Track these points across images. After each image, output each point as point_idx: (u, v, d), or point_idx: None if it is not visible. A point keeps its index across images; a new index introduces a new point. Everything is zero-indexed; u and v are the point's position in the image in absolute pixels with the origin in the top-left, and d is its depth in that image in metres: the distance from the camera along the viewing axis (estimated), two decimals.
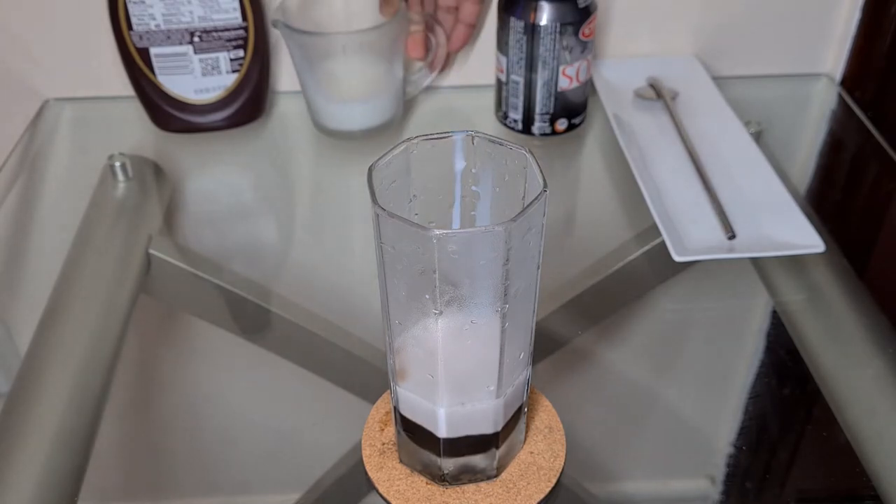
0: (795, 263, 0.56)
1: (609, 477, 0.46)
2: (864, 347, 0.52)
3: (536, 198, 0.34)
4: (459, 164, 0.38)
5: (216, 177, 0.68)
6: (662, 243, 0.55)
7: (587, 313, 0.55)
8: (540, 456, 0.44)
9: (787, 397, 0.50)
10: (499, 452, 0.41)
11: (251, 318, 0.55)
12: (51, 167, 0.68)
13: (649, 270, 0.58)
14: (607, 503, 0.45)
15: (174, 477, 0.47)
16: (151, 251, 0.59)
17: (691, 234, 0.57)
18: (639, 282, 0.57)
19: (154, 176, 0.66)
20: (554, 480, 0.42)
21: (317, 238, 0.63)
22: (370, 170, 0.35)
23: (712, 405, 0.49)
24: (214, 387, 0.51)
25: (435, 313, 0.35)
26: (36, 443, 0.46)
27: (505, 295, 0.35)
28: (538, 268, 0.37)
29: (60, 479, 0.45)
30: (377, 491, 0.42)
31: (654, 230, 0.57)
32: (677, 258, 0.54)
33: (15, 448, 0.46)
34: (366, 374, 0.50)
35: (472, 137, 0.37)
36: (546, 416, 0.46)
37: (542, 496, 0.42)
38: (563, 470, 0.43)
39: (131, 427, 0.49)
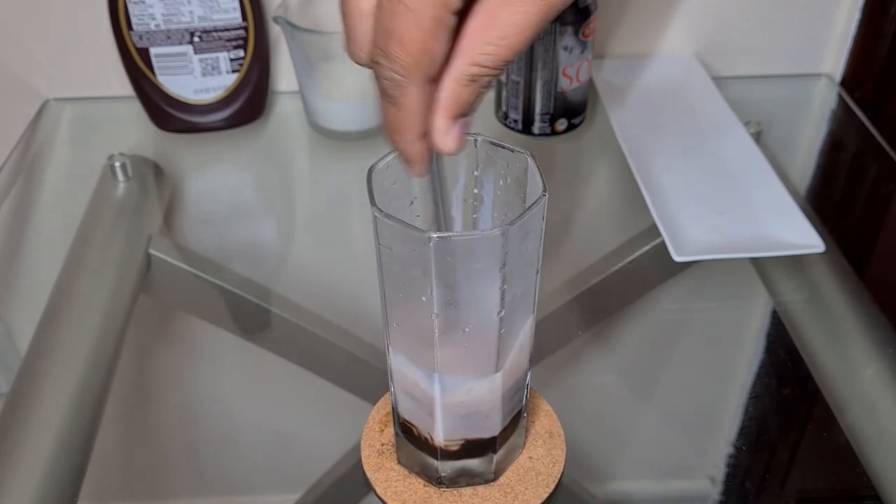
0: (795, 263, 0.56)
1: (609, 477, 0.46)
2: (864, 347, 0.52)
3: (535, 202, 0.33)
4: (461, 167, 0.38)
5: (216, 177, 0.68)
6: (662, 243, 0.55)
7: (587, 313, 0.55)
8: (539, 461, 0.43)
9: (787, 397, 0.50)
10: (496, 457, 0.41)
11: (251, 318, 0.55)
12: (51, 167, 0.68)
13: (649, 270, 0.58)
14: (608, 503, 0.45)
15: (174, 477, 0.47)
16: (151, 251, 0.59)
17: (691, 234, 0.57)
18: (639, 282, 0.57)
19: (154, 176, 0.66)
20: (552, 486, 0.42)
21: (317, 238, 0.63)
22: (370, 171, 0.35)
23: (712, 405, 0.49)
24: (214, 387, 0.51)
25: (432, 315, 0.35)
26: (36, 443, 0.46)
27: (502, 299, 0.34)
28: (538, 272, 0.37)
29: (60, 479, 0.45)
30: (374, 491, 0.42)
31: (654, 230, 0.57)
32: (677, 258, 0.54)
33: (15, 448, 0.46)
34: (366, 375, 0.50)
35: (475, 140, 0.37)
36: (547, 420, 0.46)
37: (539, 501, 0.42)
38: (561, 476, 0.43)
39: (131, 427, 0.49)
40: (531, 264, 0.36)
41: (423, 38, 0.29)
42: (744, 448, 0.47)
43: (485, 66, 0.30)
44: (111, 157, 0.65)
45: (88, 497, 0.44)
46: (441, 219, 0.35)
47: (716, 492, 0.45)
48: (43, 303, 0.54)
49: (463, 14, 0.29)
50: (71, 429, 0.47)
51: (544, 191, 0.34)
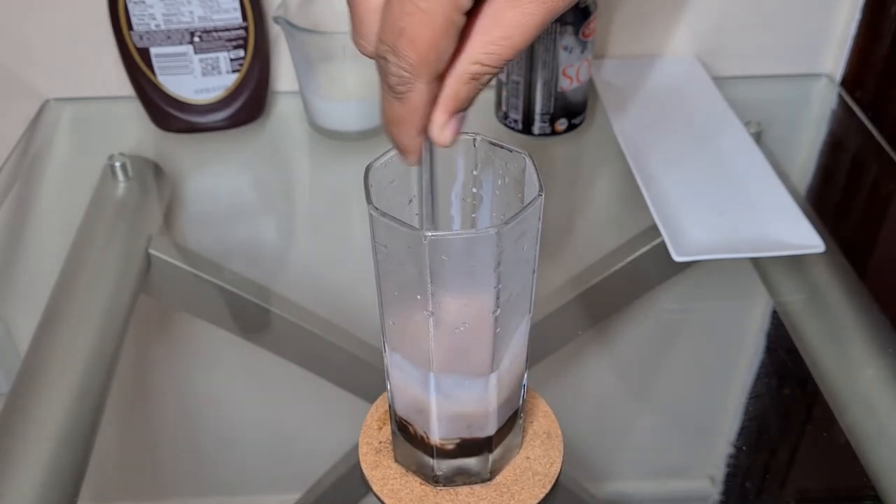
0: (795, 263, 0.56)
1: (609, 477, 0.46)
2: (864, 347, 0.52)
3: (531, 202, 0.33)
4: (460, 166, 0.38)
5: (216, 177, 0.68)
6: (662, 243, 0.55)
7: (587, 313, 0.55)
8: (536, 461, 0.43)
9: (787, 397, 0.50)
10: (492, 456, 0.41)
11: (251, 318, 0.55)
12: (51, 167, 0.68)
13: (649, 270, 0.58)
14: (608, 503, 0.45)
15: (174, 477, 0.47)
16: (151, 251, 0.59)
17: (691, 234, 0.57)
18: (639, 282, 0.57)
19: (154, 176, 0.66)
20: (549, 486, 0.42)
21: (317, 238, 0.63)
22: (367, 169, 0.35)
23: (712, 405, 0.49)
24: (214, 387, 0.51)
25: (427, 314, 0.35)
26: (36, 443, 0.46)
27: (497, 298, 0.34)
28: (534, 272, 0.37)
29: (60, 479, 0.45)
30: (371, 489, 0.42)
31: (654, 230, 0.57)
32: (677, 258, 0.54)
33: (15, 448, 0.46)
34: (366, 375, 0.50)
35: (474, 139, 0.37)
36: (545, 421, 0.46)
37: (535, 501, 0.42)
38: (559, 477, 0.43)
39: (131, 427, 0.49)
40: (527, 264, 0.36)
41: (433, 37, 0.29)
42: (744, 448, 0.47)
43: (486, 65, 0.31)
44: (111, 157, 0.65)
45: (88, 497, 0.44)
46: (428, 208, 0.35)
47: (716, 492, 0.45)
48: (43, 303, 0.54)
49: (469, 12, 0.30)
50: (71, 429, 0.47)
51: (540, 191, 0.34)
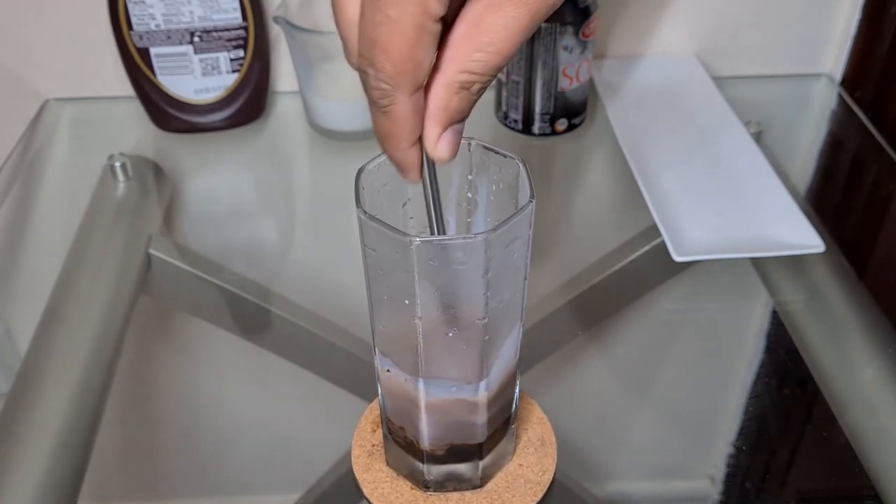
0: (795, 263, 0.56)
1: (609, 477, 0.46)
2: (864, 347, 0.52)
3: (520, 209, 0.33)
4: (455, 171, 0.38)
5: (216, 177, 0.68)
6: (662, 243, 0.55)
7: (587, 314, 0.55)
8: (529, 469, 0.43)
9: (787, 397, 0.50)
10: (483, 463, 0.41)
11: (251, 318, 0.55)
12: (51, 167, 0.68)
13: (649, 270, 0.58)
14: (607, 503, 0.45)
15: (173, 477, 0.47)
16: (151, 251, 0.59)
17: (691, 234, 0.57)
18: (639, 282, 0.57)
19: (154, 176, 0.66)
20: (540, 495, 0.42)
21: (317, 238, 0.63)
22: (359, 172, 0.35)
23: (712, 405, 0.49)
24: (214, 387, 0.51)
25: (415, 319, 0.34)
26: (36, 443, 0.46)
27: (486, 305, 0.34)
28: (525, 279, 0.36)
29: (60, 479, 0.45)
30: (361, 492, 0.42)
31: (654, 230, 0.57)
32: (677, 258, 0.54)
33: (15, 448, 0.46)
34: (366, 375, 0.50)
35: (469, 144, 0.37)
36: (540, 428, 0.45)
37: None
38: (551, 485, 0.43)
39: (131, 427, 0.49)
40: (518, 271, 0.35)
41: (406, 47, 0.28)
42: (744, 448, 0.47)
43: (475, 73, 0.30)
44: (111, 157, 0.65)
45: (88, 497, 0.44)
46: (434, 224, 0.35)
47: (716, 492, 0.45)
48: (43, 303, 0.54)
49: (450, 21, 0.29)
50: (71, 429, 0.47)
51: (531, 197, 0.34)
